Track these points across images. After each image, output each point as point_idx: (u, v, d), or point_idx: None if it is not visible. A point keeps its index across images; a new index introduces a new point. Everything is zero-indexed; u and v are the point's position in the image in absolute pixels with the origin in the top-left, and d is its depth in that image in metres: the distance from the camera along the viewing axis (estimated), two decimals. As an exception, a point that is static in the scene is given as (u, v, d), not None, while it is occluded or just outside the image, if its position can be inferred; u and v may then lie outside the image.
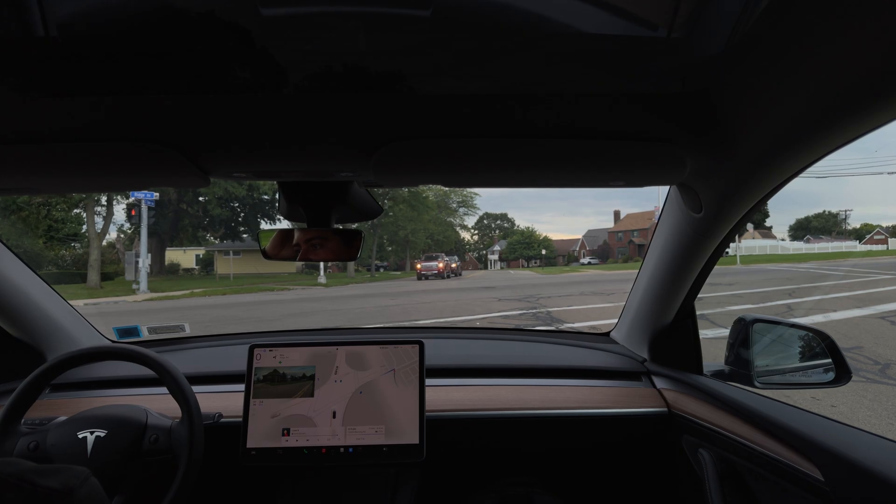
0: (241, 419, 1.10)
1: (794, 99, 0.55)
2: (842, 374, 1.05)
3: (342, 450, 1.10)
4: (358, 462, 1.10)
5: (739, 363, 1.19)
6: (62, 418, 1.06)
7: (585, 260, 48.01)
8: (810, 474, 0.80)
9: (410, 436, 1.11)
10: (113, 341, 1.51)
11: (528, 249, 50.78)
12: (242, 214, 25.61)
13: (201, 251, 30.06)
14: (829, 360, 1.08)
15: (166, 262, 26.95)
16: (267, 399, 1.12)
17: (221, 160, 0.73)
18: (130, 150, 0.67)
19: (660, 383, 1.30)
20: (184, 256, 29.94)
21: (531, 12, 0.49)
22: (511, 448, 1.31)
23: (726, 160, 0.72)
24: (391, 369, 1.16)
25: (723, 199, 0.83)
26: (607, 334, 1.57)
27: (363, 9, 0.48)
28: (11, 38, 0.50)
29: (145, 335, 2.00)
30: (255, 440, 1.09)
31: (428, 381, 1.16)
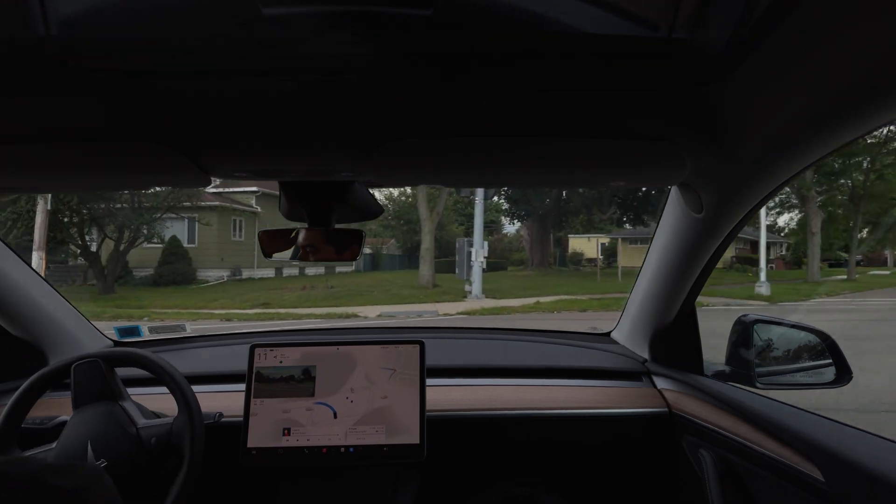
0: (241, 419, 1.11)
1: (795, 99, 0.55)
2: (842, 374, 1.05)
3: (342, 450, 1.10)
4: (358, 462, 1.10)
5: (740, 363, 1.19)
6: (62, 418, 1.06)
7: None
8: (811, 475, 0.80)
9: (411, 436, 1.10)
10: (115, 341, 1.51)
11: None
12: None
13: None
14: (830, 361, 1.08)
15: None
16: (268, 399, 1.12)
17: (222, 159, 0.73)
18: (131, 149, 0.67)
19: (660, 383, 1.30)
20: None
21: (531, 12, 0.49)
22: (512, 448, 1.30)
23: (727, 160, 0.72)
24: (392, 369, 1.16)
25: (724, 199, 0.82)
26: (608, 334, 1.57)
27: (364, 8, 0.48)
28: (12, 36, 0.50)
29: (146, 335, 2.00)
30: (255, 440, 1.09)
31: (428, 381, 1.16)
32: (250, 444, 1.09)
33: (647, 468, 1.30)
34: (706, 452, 1.06)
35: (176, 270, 14.62)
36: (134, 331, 1.91)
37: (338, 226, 0.92)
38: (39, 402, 1.02)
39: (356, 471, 1.17)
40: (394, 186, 0.91)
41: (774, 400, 0.99)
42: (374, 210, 1.00)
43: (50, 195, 10.43)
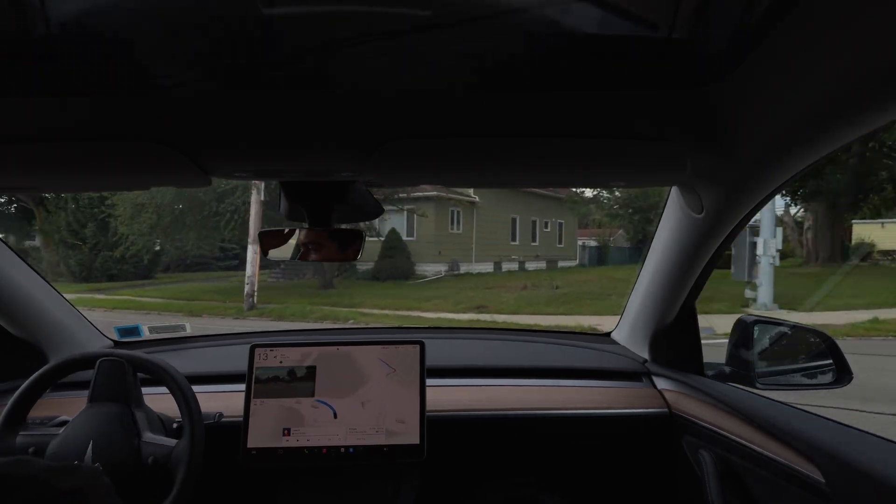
0: (241, 419, 1.11)
1: (795, 99, 0.55)
2: (843, 374, 1.05)
3: (342, 450, 1.10)
4: (358, 462, 1.10)
5: (740, 364, 1.18)
6: (63, 417, 1.06)
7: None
8: (811, 476, 0.80)
9: (411, 436, 1.10)
10: (115, 341, 1.51)
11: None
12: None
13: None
14: (830, 361, 1.07)
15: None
16: (268, 399, 1.12)
17: (222, 159, 0.73)
18: (131, 149, 0.67)
19: (660, 384, 1.30)
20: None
21: (532, 12, 0.49)
22: (512, 448, 1.31)
23: (727, 160, 0.72)
24: (392, 369, 1.16)
25: (724, 199, 0.83)
26: (608, 335, 1.57)
27: (364, 8, 0.48)
28: (12, 36, 0.50)
29: (146, 335, 2.00)
30: (255, 440, 1.09)
31: (428, 381, 1.16)
32: (250, 444, 1.09)
33: (647, 469, 1.30)
34: (706, 453, 1.06)
35: (395, 265, 14.04)
36: (134, 331, 1.92)
37: (337, 226, 0.92)
38: (40, 402, 1.02)
39: (356, 470, 1.17)
40: (394, 186, 0.92)
41: (775, 400, 0.99)
42: (374, 210, 1.01)
43: (263, 185, 9.93)
